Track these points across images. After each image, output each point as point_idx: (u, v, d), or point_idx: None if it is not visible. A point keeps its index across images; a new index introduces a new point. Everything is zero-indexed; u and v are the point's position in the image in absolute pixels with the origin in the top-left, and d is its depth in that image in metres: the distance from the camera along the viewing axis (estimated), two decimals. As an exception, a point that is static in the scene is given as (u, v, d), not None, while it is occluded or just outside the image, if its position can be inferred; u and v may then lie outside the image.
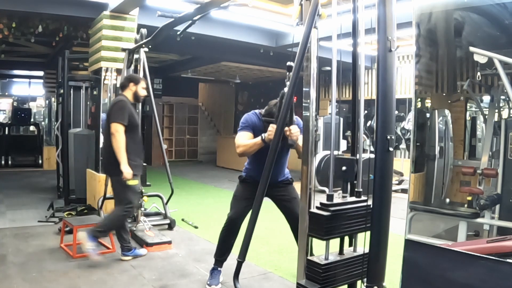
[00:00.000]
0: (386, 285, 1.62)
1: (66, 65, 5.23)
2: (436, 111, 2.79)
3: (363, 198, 1.73)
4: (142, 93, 3.33)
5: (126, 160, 3.03)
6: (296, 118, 2.47)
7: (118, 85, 4.50)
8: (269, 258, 3.44)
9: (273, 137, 1.76)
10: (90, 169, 4.94)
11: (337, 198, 1.70)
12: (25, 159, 8.68)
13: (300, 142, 2.07)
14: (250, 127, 2.57)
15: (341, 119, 6.38)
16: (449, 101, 2.89)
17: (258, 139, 2.41)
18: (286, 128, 2.18)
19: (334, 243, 1.73)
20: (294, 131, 2.25)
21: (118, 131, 3.04)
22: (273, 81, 11.18)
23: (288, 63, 1.89)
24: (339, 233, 1.67)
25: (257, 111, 2.66)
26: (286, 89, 1.91)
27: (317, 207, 1.69)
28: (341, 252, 1.74)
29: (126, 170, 3.00)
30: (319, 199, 1.77)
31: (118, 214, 3.16)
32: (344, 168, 1.70)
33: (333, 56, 1.72)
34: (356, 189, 1.74)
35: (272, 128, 2.29)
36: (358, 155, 1.75)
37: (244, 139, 2.52)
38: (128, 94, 3.28)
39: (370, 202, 1.61)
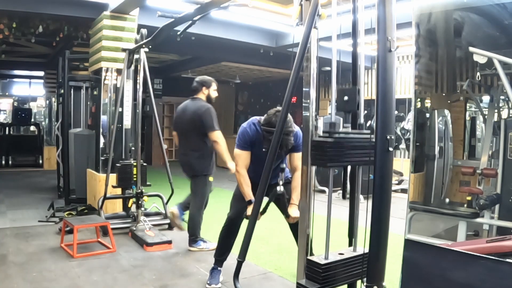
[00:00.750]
0: (386, 285, 1.62)
1: (66, 65, 5.24)
2: (436, 111, 2.80)
3: (365, 131, 1.70)
4: (214, 95, 3.68)
5: (230, 158, 3.29)
6: (295, 127, 2.49)
7: (118, 85, 4.52)
8: (269, 258, 3.45)
9: (271, 146, 1.76)
10: (91, 169, 4.95)
11: (337, 198, 1.70)
12: (26, 159, 8.69)
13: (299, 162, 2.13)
14: (248, 144, 2.61)
15: (341, 119, 6.38)
16: (449, 101, 2.89)
17: (247, 197, 2.54)
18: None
19: (334, 243, 1.73)
20: (294, 215, 2.44)
21: (219, 137, 3.45)
22: (273, 81, 11.19)
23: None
24: (343, 162, 1.65)
25: (255, 119, 2.65)
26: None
27: (320, 135, 1.66)
28: (341, 252, 1.75)
29: (232, 166, 3.12)
30: (319, 198, 1.77)
31: (198, 207, 3.51)
32: (346, 98, 1.67)
33: (333, 56, 1.72)
34: (358, 122, 1.72)
35: (249, 209, 2.41)
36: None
37: (244, 163, 2.61)
38: (202, 97, 3.62)
39: (373, 139, 1.55)
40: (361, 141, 1.66)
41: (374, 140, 1.52)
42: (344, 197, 1.86)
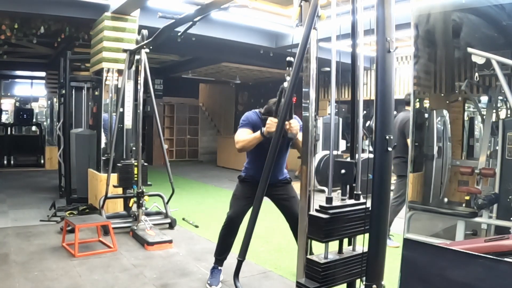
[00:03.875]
0: (385, 284, 1.64)
1: (68, 65, 5.27)
2: (435, 111, 2.81)
3: (362, 200, 1.74)
4: None
5: None
6: (295, 116, 2.50)
7: (119, 86, 4.54)
8: (269, 257, 3.46)
9: (274, 133, 1.77)
10: (92, 168, 4.97)
11: (336, 198, 1.71)
12: (27, 159, 8.72)
13: (300, 137, 2.09)
14: (250, 125, 2.60)
15: (340, 120, 6.40)
16: (447, 102, 2.90)
17: (257, 133, 2.45)
18: (286, 122, 2.20)
19: (334, 242, 1.74)
20: (294, 125, 2.29)
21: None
22: (273, 82, 11.20)
23: (288, 59, 1.91)
24: (338, 235, 1.68)
25: (257, 110, 2.69)
26: (286, 84, 1.93)
27: (316, 210, 1.70)
28: (340, 251, 1.76)
29: None
30: (319, 198, 1.79)
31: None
32: (343, 171, 1.70)
33: (333, 57, 1.73)
34: (355, 192, 1.75)
35: (270, 121, 2.32)
36: (357, 155, 1.76)
37: (244, 135, 2.56)
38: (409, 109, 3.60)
39: (369, 205, 1.62)
40: (357, 212, 1.70)
41: (373, 140, 1.53)
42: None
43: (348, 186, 1.76)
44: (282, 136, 1.85)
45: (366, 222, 1.60)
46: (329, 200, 1.68)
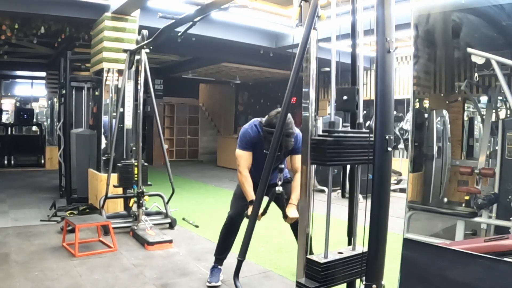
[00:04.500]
0: (385, 284, 1.64)
1: (68, 66, 5.27)
2: (434, 111, 2.81)
3: (364, 130, 1.72)
4: None
5: None
6: (295, 129, 2.51)
7: (119, 86, 4.54)
8: (269, 256, 3.47)
9: (271, 146, 1.77)
10: (92, 168, 4.97)
11: (336, 198, 1.71)
12: (28, 159, 8.73)
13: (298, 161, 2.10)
14: (250, 145, 2.63)
15: (340, 120, 6.39)
16: (447, 102, 2.91)
17: (249, 197, 2.54)
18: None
19: (333, 242, 1.75)
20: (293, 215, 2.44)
21: None
22: (273, 82, 11.21)
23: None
24: (342, 160, 1.66)
25: (257, 120, 2.67)
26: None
27: (319, 134, 1.67)
28: (340, 251, 1.76)
29: None
30: (319, 198, 1.79)
31: None
32: (345, 97, 1.67)
33: (332, 57, 1.73)
34: (357, 121, 1.73)
35: (250, 208, 2.39)
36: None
37: (246, 163, 2.62)
38: None
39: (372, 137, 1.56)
40: (360, 140, 1.67)
41: (373, 140, 1.53)
42: (343, 196, 1.88)
43: (350, 114, 1.73)
44: (280, 146, 1.84)
45: (370, 153, 1.53)
46: (331, 124, 1.65)
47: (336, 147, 1.61)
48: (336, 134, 1.62)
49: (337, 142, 1.61)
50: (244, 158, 2.62)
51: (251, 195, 2.54)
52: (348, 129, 1.72)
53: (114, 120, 4.53)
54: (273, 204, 2.73)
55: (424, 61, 2.50)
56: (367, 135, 1.66)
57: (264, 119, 2.59)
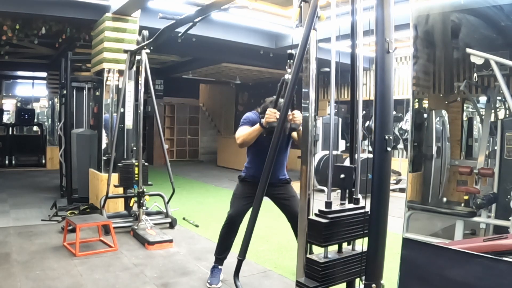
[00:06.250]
0: (384, 283, 1.65)
1: (69, 66, 5.29)
2: (434, 111, 2.82)
3: (361, 204, 1.74)
4: None
5: None
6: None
7: (120, 86, 4.55)
8: (269, 256, 3.47)
9: (276, 124, 1.76)
10: (93, 168, 4.98)
11: (336, 198, 1.72)
12: (29, 159, 8.74)
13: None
14: (250, 123, 2.63)
15: (340, 120, 6.40)
16: (446, 102, 2.92)
17: (257, 125, 2.47)
18: (289, 113, 2.20)
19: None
20: (298, 115, 2.28)
21: None
22: (273, 82, 11.20)
23: (289, 51, 1.91)
24: (338, 239, 1.69)
25: (255, 110, 2.73)
26: (287, 76, 1.93)
27: (315, 214, 1.70)
28: (339, 250, 1.77)
29: None
30: (319, 198, 1.80)
31: None
32: (342, 176, 1.70)
33: (332, 57, 1.74)
34: (354, 196, 1.75)
35: (269, 111, 2.33)
36: (356, 156, 1.76)
37: (244, 130, 2.58)
38: None
39: (368, 209, 1.61)
40: (357, 216, 1.70)
41: (372, 141, 1.55)
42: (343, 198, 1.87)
43: (347, 190, 1.76)
44: (284, 129, 1.84)
45: (366, 226, 1.60)
46: (328, 204, 1.68)
47: (332, 228, 1.64)
48: (331, 216, 1.65)
49: (332, 224, 1.64)
50: (242, 129, 2.60)
51: (254, 126, 2.48)
52: (345, 206, 1.74)
53: (114, 120, 4.54)
54: (273, 204, 2.75)
55: (423, 61, 2.51)
56: (363, 210, 1.69)
57: (259, 108, 2.64)
